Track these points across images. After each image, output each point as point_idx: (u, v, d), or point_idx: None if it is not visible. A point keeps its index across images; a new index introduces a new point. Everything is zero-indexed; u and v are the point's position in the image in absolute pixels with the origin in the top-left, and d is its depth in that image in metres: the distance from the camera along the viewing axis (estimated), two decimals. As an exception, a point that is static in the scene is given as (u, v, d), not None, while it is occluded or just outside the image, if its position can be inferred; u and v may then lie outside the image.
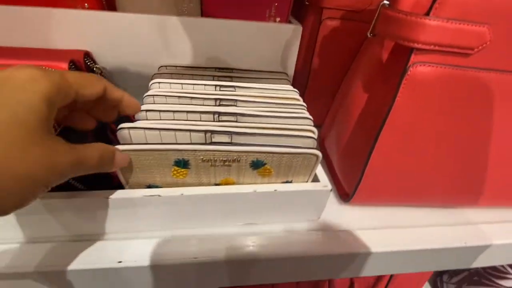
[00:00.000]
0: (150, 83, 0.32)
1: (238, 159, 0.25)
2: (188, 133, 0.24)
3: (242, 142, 0.25)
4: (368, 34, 0.27)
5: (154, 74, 0.35)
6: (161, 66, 0.37)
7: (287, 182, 0.28)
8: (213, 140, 0.25)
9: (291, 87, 0.34)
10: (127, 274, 0.25)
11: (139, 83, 0.38)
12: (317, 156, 0.25)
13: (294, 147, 0.24)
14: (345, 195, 0.33)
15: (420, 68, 0.23)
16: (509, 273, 0.59)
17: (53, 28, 0.33)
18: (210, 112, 0.27)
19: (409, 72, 0.23)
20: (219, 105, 0.29)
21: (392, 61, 0.25)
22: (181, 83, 0.32)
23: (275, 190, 0.26)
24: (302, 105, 0.31)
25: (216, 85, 0.33)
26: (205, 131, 0.24)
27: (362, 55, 0.30)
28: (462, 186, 0.30)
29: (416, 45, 0.22)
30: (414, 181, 0.29)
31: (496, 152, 0.28)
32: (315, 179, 0.29)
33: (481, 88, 0.24)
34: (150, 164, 0.24)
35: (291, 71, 0.41)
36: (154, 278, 0.26)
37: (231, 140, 0.25)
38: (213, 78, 0.35)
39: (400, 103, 0.25)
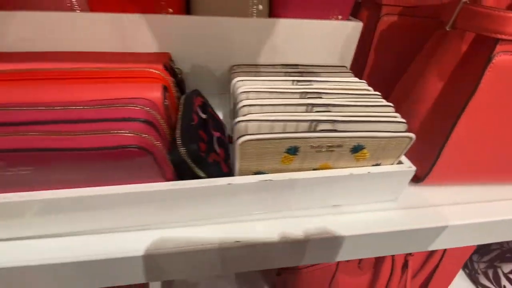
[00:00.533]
0: (234, 81, 0.34)
1: (342, 144, 0.27)
2: (295, 123, 0.27)
3: (343, 129, 0.27)
4: (447, 28, 0.29)
5: (232, 72, 0.37)
6: (234, 65, 0.39)
7: (376, 165, 0.31)
8: (317, 128, 0.27)
9: (357, 79, 0.37)
10: (243, 251, 0.28)
11: (211, 81, 0.41)
12: (411, 138, 0.28)
13: (393, 132, 0.27)
14: (415, 177, 0.36)
15: (504, 57, 0.26)
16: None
17: (139, 32, 0.35)
18: (303, 104, 0.30)
19: (493, 61, 0.26)
20: (307, 98, 0.32)
21: (474, 51, 0.28)
22: (262, 80, 0.35)
23: (368, 173, 0.29)
24: (377, 94, 0.34)
25: (292, 80, 0.35)
26: (311, 121, 0.27)
27: (434, 47, 0.32)
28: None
29: (502, 36, 0.25)
30: (486, 162, 0.32)
31: None
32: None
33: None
34: (266, 152, 0.27)
35: (348, 65, 0.43)
36: (273, 252, 0.29)
37: (334, 127, 0.27)
38: (285, 74, 0.38)
39: (483, 89, 0.27)
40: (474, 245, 0.52)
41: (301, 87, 0.33)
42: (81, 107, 0.24)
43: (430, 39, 0.34)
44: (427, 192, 0.36)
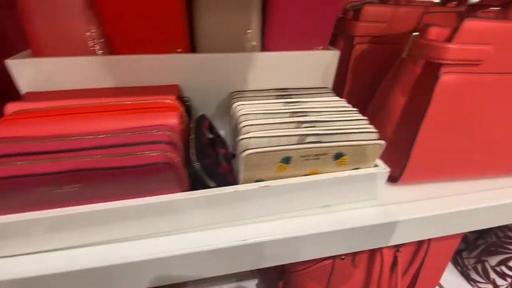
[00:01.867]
0: (235, 105, 0.41)
1: (326, 153, 0.34)
2: (288, 138, 0.33)
3: (326, 140, 0.34)
4: (403, 56, 0.37)
5: (232, 98, 0.44)
6: (233, 92, 0.46)
7: (355, 169, 0.37)
8: (305, 141, 0.34)
9: (338, 98, 0.44)
10: (250, 250, 0.34)
11: (214, 106, 0.48)
12: (381, 144, 0.34)
13: (366, 140, 0.34)
14: (391, 178, 0.42)
15: (448, 76, 0.33)
16: (520, 240, 0.68)
17: (154, 69, 0.42)
18: (293, 122, 0.37)
19: (440, 80, 0.33)
20: (296, 116, 0.38)
21: (426, 73, 0.35)
22: (258, 103, 0.41)
23: (349, 175, 0.36)
24: (354, 110, 0.40)
25: (284, 102, 0.42)
26: (300, 135, 0.34)
27: (397, 70, 0.40)
28: (486, 162, 0.40)
29: (444, 62, 0.32)
30: (449, 161, 0.39)
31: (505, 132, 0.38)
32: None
33: (488, 84, 0.35)
34: (265, 162, 0.33)
35: (330, 86, 0.51)
36: (276, 248, 0.35)
37: (319, 140, 0.34)
38: (276, 97, 0.45)
39: (435, 102, 0.34)
40: (456, 240, 0.57)
41: (291, 108, 0.40)
42: (116, 135, 0.30)
43: (393, 64, 0.41)
44: (403, 190, 0.42)
